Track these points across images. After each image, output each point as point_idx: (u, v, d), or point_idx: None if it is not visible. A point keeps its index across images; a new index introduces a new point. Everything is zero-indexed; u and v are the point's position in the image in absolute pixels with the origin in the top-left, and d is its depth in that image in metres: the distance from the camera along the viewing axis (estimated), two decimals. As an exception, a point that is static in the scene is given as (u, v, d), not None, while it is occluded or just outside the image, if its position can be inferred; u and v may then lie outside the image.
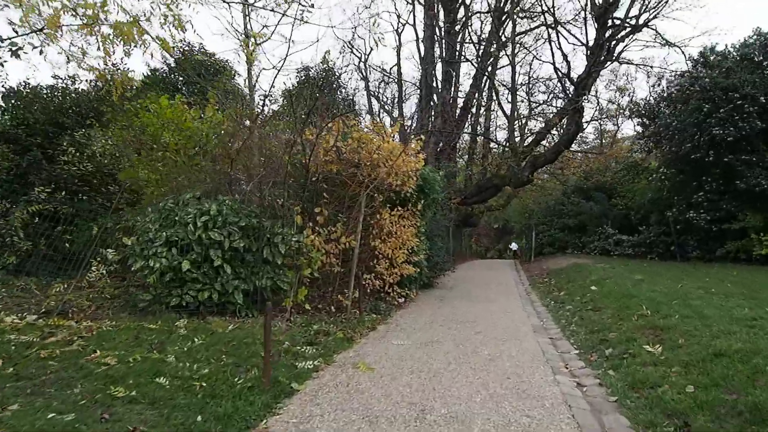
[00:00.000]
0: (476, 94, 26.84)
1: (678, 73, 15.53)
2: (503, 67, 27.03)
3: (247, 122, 9.35)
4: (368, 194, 8.15)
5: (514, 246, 40.53)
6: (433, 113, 26.11)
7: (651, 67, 21.13)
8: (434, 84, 26.99)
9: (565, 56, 16.84)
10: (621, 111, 25.73)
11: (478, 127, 28.55)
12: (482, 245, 46.64)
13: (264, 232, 6.51)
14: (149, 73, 15.07)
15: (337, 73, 19.79)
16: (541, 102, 22.72)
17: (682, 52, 16.61)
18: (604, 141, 33.05)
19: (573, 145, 21.39)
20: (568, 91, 15.87)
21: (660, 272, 10.45)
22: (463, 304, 9.08)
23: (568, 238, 20.14)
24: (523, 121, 23.10)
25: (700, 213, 14.41)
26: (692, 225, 14.81)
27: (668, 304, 6.23)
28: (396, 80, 30.27)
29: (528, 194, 30.04)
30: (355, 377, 4.57)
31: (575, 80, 15.55)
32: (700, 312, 5.49)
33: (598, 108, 21.06)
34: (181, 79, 15.05)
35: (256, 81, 15.31)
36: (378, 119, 25.90)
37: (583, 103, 15.99)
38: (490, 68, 23.28)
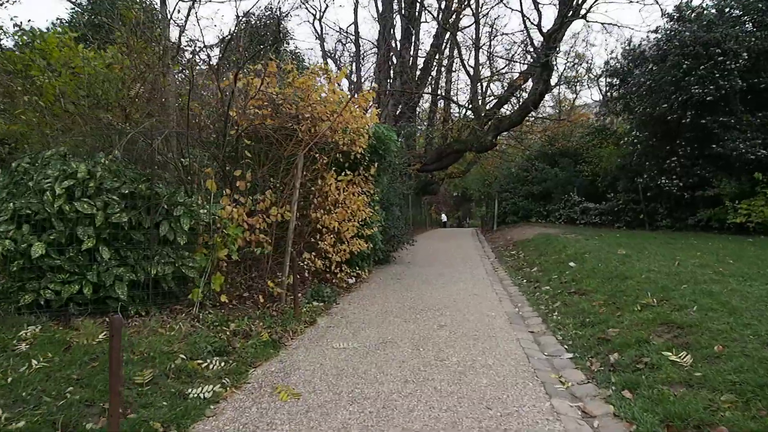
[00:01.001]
0: (437, 54, 25.21)
1: (652, 29, 14.39)
2: (467, 27, 25.40)
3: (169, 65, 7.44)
4: (309, 155, 6.54)
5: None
6: (392, 74, 24.38)
7: (618, 26, 20.06)
8: (393, 44, 25.21)
9: (535, 2, 15.29)
10: (585, 75, 24.79)
11: (439, 90, 27.05)
12: (442, 213, 45.92)
13: (160, 202, 4.84)
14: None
15: (283, 16, 17.52)
16: (507, 59, 21.28)
17: (658, 3, 15.37)
18: (562, 109, 32.26)
19: (535, 111, 20.23)
20: (537, 47, 14.51)
21: (642, 245, 9.44)
22: (423, 285, 7.75)
23: (532, 206, 19.20)
24: (486, 83, 21.72)
25: (673, 179, 13.58)
26: (663, 192, 14.02)
27: (677, 289, 5.04)
28: (353, 40, 28.18)
29: (489, 161, 29.03)
30: (269, 413, 3.12)
31: (545, 32, 14.14)
32: (725, 302, 4.31)
33: (566, 66, 19.84)
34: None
35: (173, 12, 13.20)
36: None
37: (553, 60, 14.69)
38: (452, 21, 21.54)
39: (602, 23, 18.50)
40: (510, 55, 22.05)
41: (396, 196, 11.40)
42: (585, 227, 16.25)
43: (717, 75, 11.94)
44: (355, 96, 7.19)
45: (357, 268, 7.97)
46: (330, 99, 6.67)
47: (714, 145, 12.52)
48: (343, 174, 7.39)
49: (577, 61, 25.20)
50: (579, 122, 24.75)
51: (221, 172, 5.81)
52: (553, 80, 18.42)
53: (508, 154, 25.01)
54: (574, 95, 31.16)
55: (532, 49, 14.69)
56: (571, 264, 7.81)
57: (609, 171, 16.90)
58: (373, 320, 5.52)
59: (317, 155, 6.83)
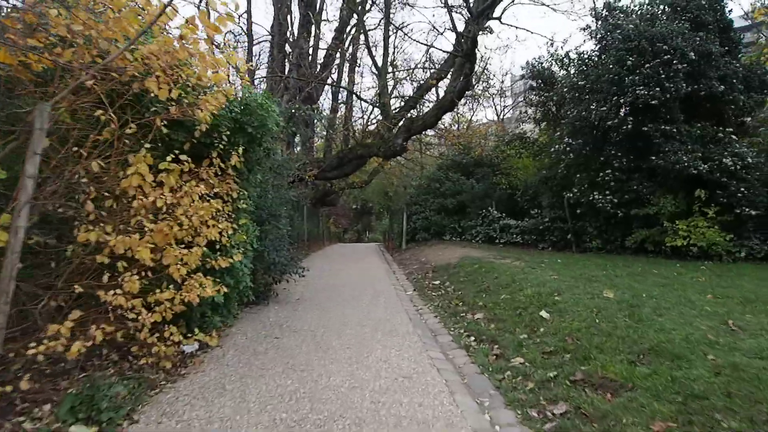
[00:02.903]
0: (340, 48, 22.37)
1: (582, 27, 12.78)
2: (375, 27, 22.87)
3: None
4: (82, 110, 3.11)
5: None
6: (287, 66, 21.07)
7: (531, 32, 18.83)
8: (290, 32, 22.03)
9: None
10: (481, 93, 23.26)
11: (341, 90, 24.17)
12: (340, 226, 43.09)
13: None
14: None
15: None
16: (425, 44, 18.95)
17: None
18: (459, 126, 31.03)
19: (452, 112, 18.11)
20: (460, 32, 12.21)
21: (605, 276, 7.15)
22: (317, 354, 4.57)
23: (445, 221, 16.87)
24: (395, 82, 19.23)
25: (606, 195, 11.90)
26: (594, 209, 12.32)
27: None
28: (246, 30, 24.33)
29: (394, 170, 26.63)
30: None
31: (473, 9, 11.76)
32: None
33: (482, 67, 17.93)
34: None
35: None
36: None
37: (476, 51, 12.48)
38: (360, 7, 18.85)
39: (520, 28, 16.78)
40: (428, 40, 19.77)
41: (282, 206, 8.13)
42: (505, 247, 14.19)
43: (662, 76, 10.38)
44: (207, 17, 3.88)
45: (198, 329, 4.57)
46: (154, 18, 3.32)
47: (653, 157, 10.98)
48: (175, 162, 4.00)
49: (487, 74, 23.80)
50: (481, 134, 23.34)
51: None
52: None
53: (417, 163, 22.72)
54: (472, 112, 29.92)
55: (455, 35, 12.41)
56: (544, 315, 5.12)
57: (530, 184, 15.09)
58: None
59: (110, 115, 3.39)
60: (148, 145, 3.54)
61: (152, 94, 3.52)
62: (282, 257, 7.20)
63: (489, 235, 15.19)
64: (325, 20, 24.18)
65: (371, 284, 9.19)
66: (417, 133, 16.77)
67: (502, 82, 25.59)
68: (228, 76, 4.86)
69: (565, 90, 12.55)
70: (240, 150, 4.87)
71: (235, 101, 5.06)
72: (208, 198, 4.48)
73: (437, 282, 9.03)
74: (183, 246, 4.22)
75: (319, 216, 28.73)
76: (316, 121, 23.68)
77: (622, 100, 10.67)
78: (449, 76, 17.00)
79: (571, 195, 12.53)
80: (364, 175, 30.08)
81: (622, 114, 10.82)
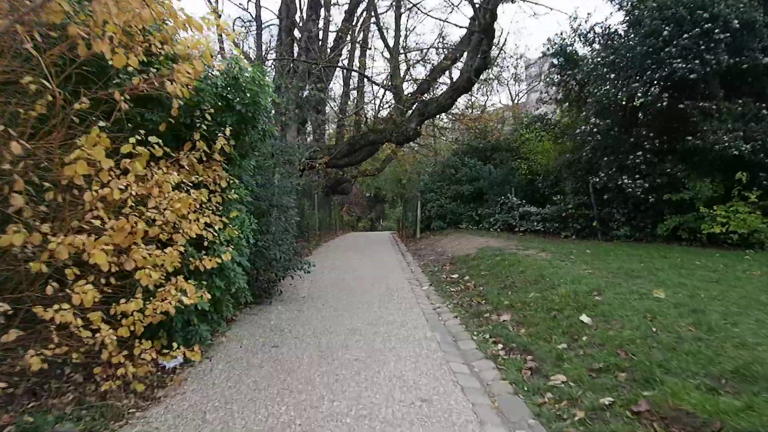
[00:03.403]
0: (350, 30, 21.51)
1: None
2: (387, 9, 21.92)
3: None
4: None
5: None
6: (296, 50, 20.33)
7: (551, 8, 17.87)
8: (298, 15, 21.26)
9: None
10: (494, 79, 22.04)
11: (352, 75, 23.34)
12: (354, 215, 42.55)
13: None
14: None
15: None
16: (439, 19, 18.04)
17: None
18: (473, 111, 29.82)
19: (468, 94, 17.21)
20: (477, 5, 11.31)
21: (645, 269, 6.37)
22: (318, 370, 3.90)
23: (461, 209, 16.07)
24: (408, 59, 18.36)
25: (636, 179, 11.01)
26: (623, 194, 11.45)
27: None
28: (254, 16, 23.56)
29: (407, 157, 25.81)
30: None
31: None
32: None
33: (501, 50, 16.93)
34: None
35: None
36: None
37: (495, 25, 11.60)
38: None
39: (534, 2, 15.79)
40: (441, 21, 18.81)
41: (288, 195, 7.46)
42: (525, 236, 13.39)
43: (702, 47, 9.42)
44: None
45: (182, 340, 3.94)
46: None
47: (689, 138, 10.05)
48: (148, 145, 3.33)
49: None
50: (499, 117, 22.37)
51: None
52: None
53: (431, 149, 21.87)
54: (486, 97, 28.65)
55: (472, 9, 11.49)
56: (585, 319, 4.39)
57: (552, 169, 14.21)
58: None
59: (48, 86, 2.71)
60: (102, 124, 2.86)
61: (101, 53, 2.83)
62: (285, 253, 6.54)
63: (508, 223, 14.38)
64: (335, 3, 23.37)
65: (384, 278, 8.51)
66: (431, 117, 15.94)
67: (516, 66, 24.45)
68: (220, 49, 4.17)
69: (591, 66, 11.60)
70: (228, 131, 4.17)
71: (222, 75, 4.36)
72: (188, 188, 3.81)
73: (455, 276, 8.32)
74: (160, 246, 3.58)
75: (331, 205, 28.14)
76: (327, 106, 23.03)
77: (656, 75, 9.71)
78: (464, 57, 16.12)
79: (598, 180, 11.65)
80: (377, 163, 29.37)
81: (655, 91, 9.86)
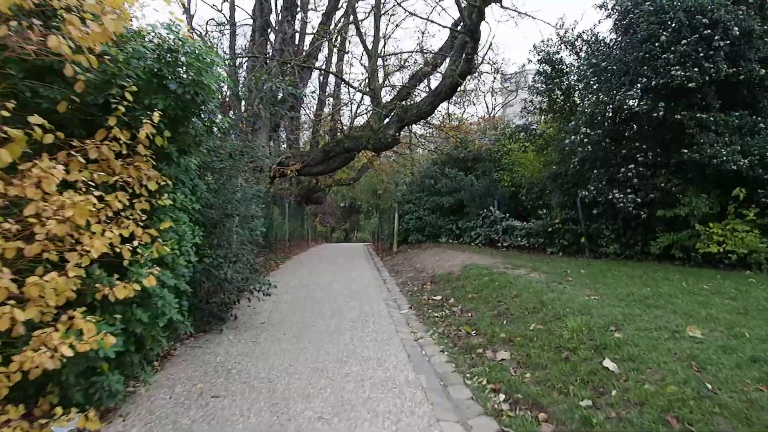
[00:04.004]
0: (328, 34, 20.64)
1: (598, 4, 11.18)
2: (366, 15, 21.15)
3: None
4: None
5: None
6: (270, 51, 19.34)
7: (533, 17, 17.49)
8: (273, 18, 20.40)
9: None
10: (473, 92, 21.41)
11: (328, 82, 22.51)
12: (327, 225, 41.43)
13: None
14: None
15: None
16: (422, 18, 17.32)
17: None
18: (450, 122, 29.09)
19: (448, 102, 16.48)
20: (463, 6, 10.55)
21: (666, 295, 5.57)
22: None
23: (441, 222, 15.22)
24: (387, 66, 17.58)
25: (627, 193, 10.38)
26: (613, 209, 10.81)
27: None
28: (228, 19, 22.50)
29: (384, 166, 24.93)
30: None
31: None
32: None
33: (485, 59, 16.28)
34: None
35: None
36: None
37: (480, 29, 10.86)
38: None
39: (522, 13, 15.23)
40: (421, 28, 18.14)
41: (249, 203, 6.42)
42: (509, 251, 12.62)
43: (701, 54, 8.86)
44: None
45: (82, 398, 2.90)
46: None
47: (685, 150, 9.45)
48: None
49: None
50: (480, 128, 21.72)
51: None
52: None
53: (409, 158, 21.06)
54: (463, 109, 27.77)
55: (457, 8, 10.70)
56: (609, 366, 3.51)
57: (537, 181, 13.54)
58: None
59: None
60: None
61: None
62: (240, 271, 5.50)
63: (490, 237, 13.60)
64: (312, 8, 22.56)
65: (358, 299, 7.52)
66: (411, 123, 15.11)
67: (493, 80, 23.94)
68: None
69: (581, 73, 10.98)
70: (156, 117, 3.17)
71: (153, 45, 3.37)
72: (89, 188, 2.79)
73: (438, 297, 7.40)
74: (50, 268, 2.56)
75: (304, 215, 27.03)
76: (301, 111, 22.03)
77: (652, 83, 9.10)
78: (445, 64, 15.41)
79: (587, 193, 10.97)
80: (352, 172, 28.44)
81: (649, 100, 9.26)
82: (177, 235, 3.97)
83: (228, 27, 22.30)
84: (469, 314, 6.07)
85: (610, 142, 10.66)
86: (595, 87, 10.50)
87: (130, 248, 3.10)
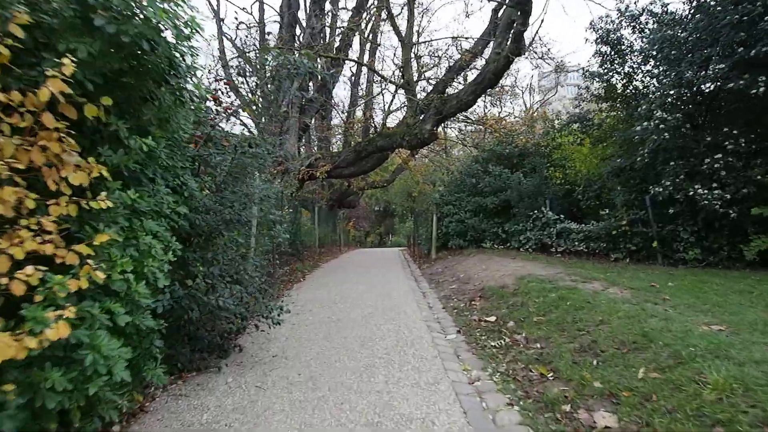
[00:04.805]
0: (359, 26, 19.53)
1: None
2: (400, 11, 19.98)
3: None
4: None
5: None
6: (299, 48, 18.39)
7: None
8: (301, 13, 19.55)
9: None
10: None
11: (360, 74, 21.36)
12: (362, 229, 40.34)
13: None
14: None
15: None
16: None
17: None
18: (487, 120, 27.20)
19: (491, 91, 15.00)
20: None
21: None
22: None
23: (485, 225, 13.73)
24: (421, 57, 16.24)
25: (713, 188, 8.69)
26: (694, 208, 9.13)
27: None
28: (257, 20, 21.76)
29: (419, 167, 23.57)
30: None
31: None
32: None
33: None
34: None
35: None
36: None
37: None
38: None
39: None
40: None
41: (270, 208, 5.24)
42: (565, 257, 11.05)
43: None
44: None
45: None
46: None
47: (790, 135, 7.74)
48: None
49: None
50: (528, 120, 20.08)
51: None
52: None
53: (448, 156, 19.64)
54: (499, 109, 25.79)
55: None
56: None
57: (595, 177, 11.92)
58: None
59: None
60: None
61: None
62: (249, 291, 4.28)
63: (542, 242, 12.04)
64: (343, 8, 21.63)
65: (393, 320, 6.22)
66: (451, 116, 13.71)
67: (532, 77, 22.24)
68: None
69: (654, 46, 9.35)
70: (69, 66, 1.97)
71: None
72: None
73: (492, 318, 6.00)
74: None
75: (337, 219, 25.98)
76: (332, 112, 20.98)
77: (752, 52, 7.43)
78: (488, 49, 13.98)
79: (660, 189, 9.31)
80: (386, 174, 27.26)
81: (750, 73, 7.59)
82: (136, 251, 2.78)
83: (257, 28, 21.59)
84: (538, 345, 4.67)
85: (691, 127, 8.98)
86: (670, 64, 8.86)
87: (31, 276, 1.91)
